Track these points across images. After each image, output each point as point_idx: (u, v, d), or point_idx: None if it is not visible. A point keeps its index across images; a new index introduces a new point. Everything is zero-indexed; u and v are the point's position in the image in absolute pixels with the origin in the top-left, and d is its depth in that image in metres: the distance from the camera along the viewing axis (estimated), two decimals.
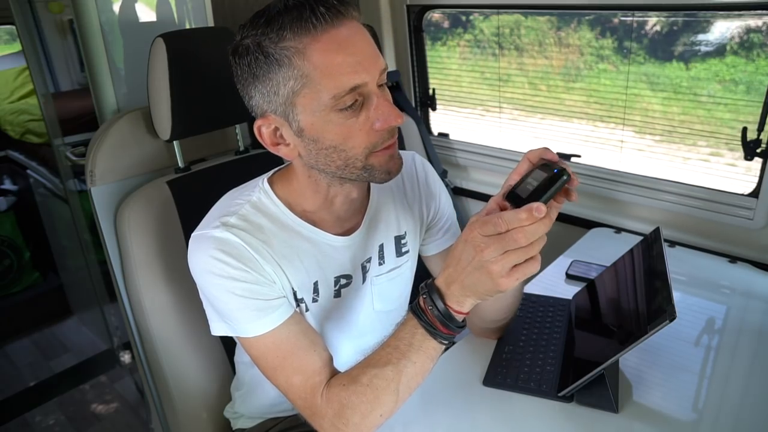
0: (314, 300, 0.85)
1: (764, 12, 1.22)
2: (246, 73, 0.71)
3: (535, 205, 0.60)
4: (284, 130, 0.74)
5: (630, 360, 0.90)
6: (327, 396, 0.74)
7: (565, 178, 0.62)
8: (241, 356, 0.99)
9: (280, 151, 0.76)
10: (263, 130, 0.75)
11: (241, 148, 1.28)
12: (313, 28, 0.66)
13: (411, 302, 0.73)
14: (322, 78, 0.67)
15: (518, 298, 0.89)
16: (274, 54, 0.67)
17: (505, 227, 0.60)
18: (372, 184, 0.89)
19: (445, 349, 0.97)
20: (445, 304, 0.68)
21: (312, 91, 0.68)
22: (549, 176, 0.63)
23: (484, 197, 1.59)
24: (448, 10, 1.80)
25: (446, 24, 1.87)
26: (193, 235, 0.79)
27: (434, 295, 0.68)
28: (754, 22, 1.26)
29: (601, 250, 1.27)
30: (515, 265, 0.62)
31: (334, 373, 0.77)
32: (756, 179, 1.29)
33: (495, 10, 1.69)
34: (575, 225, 1.54)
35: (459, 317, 0.69)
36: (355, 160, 0.73)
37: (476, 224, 0.63)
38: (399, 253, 0.93)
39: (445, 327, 0.69)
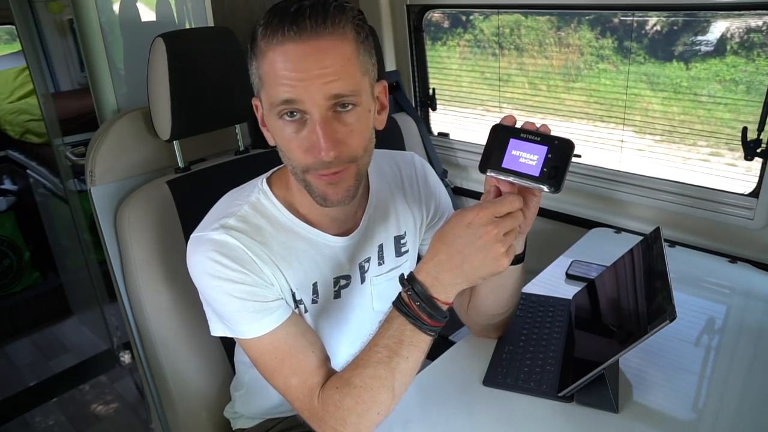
0: (314, 301, 0.85)
1: (764, 12, 1.22)
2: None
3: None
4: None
5: (630, 360, 0.90)
6: (322, 398, 0.74)
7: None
8: (240, 356, 0.99)
9: (265, 133, 0.79)
10: (258, 107, 0.78)
11: (241, 148, 1.28)
12: (274, 38, 0.68)
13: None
14: (267, 83, 0.71)
15: (518, 290, 0.88)
16: (253, 48, 0.72)
17: (508, 209, 0.66)
18: (370, 184, 0.89)
19: (445, 347, 0.98)
20: (429, 296, 0.69)
21: (264, 92, 0.72)
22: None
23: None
24: (448, 10, 1.80)
25: (446, 24, 1.87)
26: (191, 236, 0.79)
27: (418, 288, 0.69)
28: (754, 22, 1.26)
29: (601, 250, 1.27)
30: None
31: (330, 373, 0.77)
32: (756, 179, 1.29)
33: (495, 10, 1.69)
34: (575, 225, 1.54)
35: (444, 307, 0.70)
36: (297, 169, 0.74)
37: (482, 206, 0.67)
38: (399, 253, 0.93)
39: (432, 319, 0.69)
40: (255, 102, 0.78)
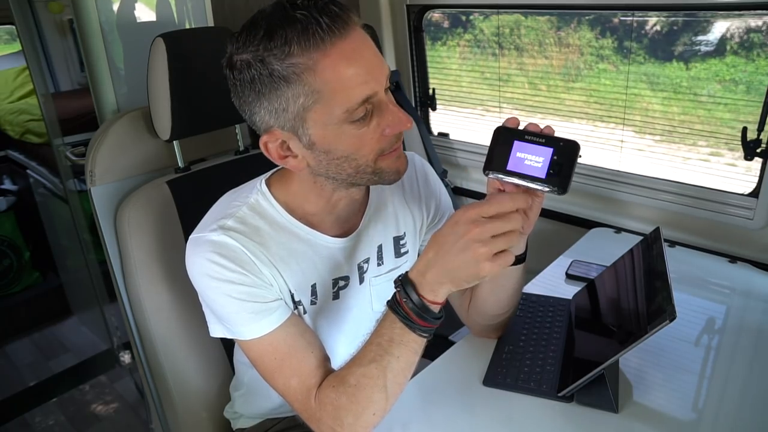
0: (312, 302, 0.85)
1: (764, 12, 1.22)
2: (248, 89, 0.69)
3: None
4: (292, 143, 0.73)
5: (630, 360, 0.90)
6: (319, 398, 0.74)
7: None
8: (240, 356, 0.99)
9: (288, 163, 0.75)
10: (270, 146, 0.73)
11: (241, 148, 1.28)
12: (321, 42, 0.65)
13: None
14: (333, 93, 0.67)
15: (519, 291, 0.88)
16: (281, 71, 0.66)
17: (496, 209, 0.64)
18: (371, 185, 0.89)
19: (445, 347, 0.98)
20: (418, 294, 0.68)
21: (324, 106, 0.68)
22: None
23: (484, 197, 1.62)
24: (448, 10, 1.80)
25: (446, 24, 1.87)
26: (190, 237, 0.79)
27: (408, 286, 0.69)
28: (754, 22, 1.26)
29: (601, 250, 1.26)
30: (497, 252, 0.64)
31: (328, 373, 0.77)
32: (756, 179, 1.29)
33: (495, 10, 1.69)
34: (575, 225, 1.54)
35: (434, 308, 0.69)
36: (366, 166, 0.74)
37: (473, 205, 0.65)
38: (398, 253, 0.93)
39: (421, 319, 0.69)
40: (268, 138, 0.72)
